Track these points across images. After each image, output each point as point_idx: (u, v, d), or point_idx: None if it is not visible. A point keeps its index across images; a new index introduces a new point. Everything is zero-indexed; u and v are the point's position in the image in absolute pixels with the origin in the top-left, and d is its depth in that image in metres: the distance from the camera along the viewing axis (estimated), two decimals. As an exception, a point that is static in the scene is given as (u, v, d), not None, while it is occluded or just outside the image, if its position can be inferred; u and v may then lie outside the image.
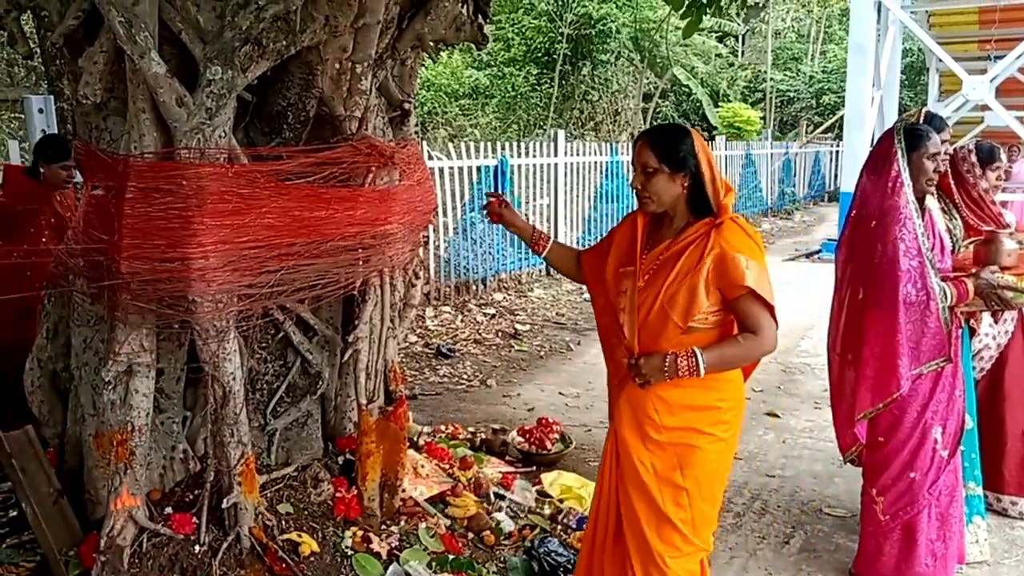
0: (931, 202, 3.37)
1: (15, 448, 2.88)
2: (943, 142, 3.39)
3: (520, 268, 9.14)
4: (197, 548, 2.78)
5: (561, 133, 10.04)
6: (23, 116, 4.71)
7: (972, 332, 3.49)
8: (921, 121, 3.38)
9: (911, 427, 2.87)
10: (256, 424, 3.19)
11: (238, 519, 2.82)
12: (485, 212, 2.77)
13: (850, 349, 2.96)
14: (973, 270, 3.02)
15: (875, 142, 3.03)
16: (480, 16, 3.58)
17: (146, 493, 2.86)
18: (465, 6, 3.44)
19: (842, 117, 13.23)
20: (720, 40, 21.93)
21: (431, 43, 3.41)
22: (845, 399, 3.01)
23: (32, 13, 2.91)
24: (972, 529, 3.37)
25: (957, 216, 3.52)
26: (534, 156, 9.44)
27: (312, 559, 2.90)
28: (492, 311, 7.91)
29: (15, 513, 3.22)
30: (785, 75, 24.79)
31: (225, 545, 2.79)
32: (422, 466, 3.64)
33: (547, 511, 3.67)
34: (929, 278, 2.79)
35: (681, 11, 3.96)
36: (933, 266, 2.80)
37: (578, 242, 10.24)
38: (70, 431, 3.14)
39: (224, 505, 2.81)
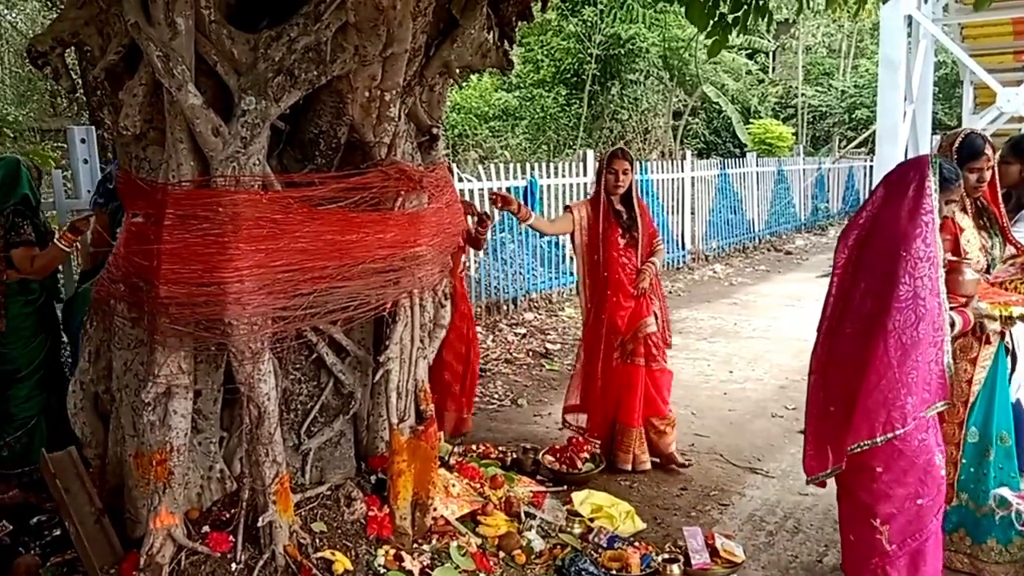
0: (965, 220, 3.34)
1: (59, 469, 2.97)
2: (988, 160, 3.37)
3: (551, 288, 9.16)
4: (233, 566, 2.84)
5: (591, 153, 10.08)
6: (66, 146, 4.88)
7: (1009, 353, 3.46)
8: (962, 143, 3.38)
9: (913, 455, 2.81)
10: (290, 444, 3.25)
11: (273, 537, 2.88)
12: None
13: (840, 374, 2.87)
14: (963, 300, 3.03)
15: (907, 165, 2.91)
16: (506, 42, 3.65)
17: (184, 512, 2.93)
18: (491, 33, 3.51)
19: (875, 132, 13.11)
20: (750, 57, 21.85)
21: (458, 69, 3.49)
22: (828, 422, 2.92)
23: (75, 48, 3.03)
24: (1011, 551, 3.32)
25: (998, 234, 3.47)
26: (563, 176, 9.48)
27: (345, 577, 2.94)
28: (523, 331, 7.94)
29: (59, 532, 3.32)
30: (817, 90, 24.60)
31: (260, 563, 2.85)
32: (453, 485, 3.67)
33: (577, 530, 3.68)
34: (944, 318, 2.76)
35: (706, 31, 3.99)
36: (946, 306, 2.79)
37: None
38: (111, 452, 3.23)
39: (260, 523, 2.87)
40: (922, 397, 2.75)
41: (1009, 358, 3.47)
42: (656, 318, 4.50)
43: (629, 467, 4.47)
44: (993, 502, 3.26)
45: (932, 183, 2.74)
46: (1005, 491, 3.25)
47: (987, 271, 3.34)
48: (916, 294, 2.70)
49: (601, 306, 4.49)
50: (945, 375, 2.77)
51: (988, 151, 3.33)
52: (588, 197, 4.79)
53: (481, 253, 8.21)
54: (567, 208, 4.67)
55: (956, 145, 3.37)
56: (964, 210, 3.35)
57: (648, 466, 4.49)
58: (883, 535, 2.86)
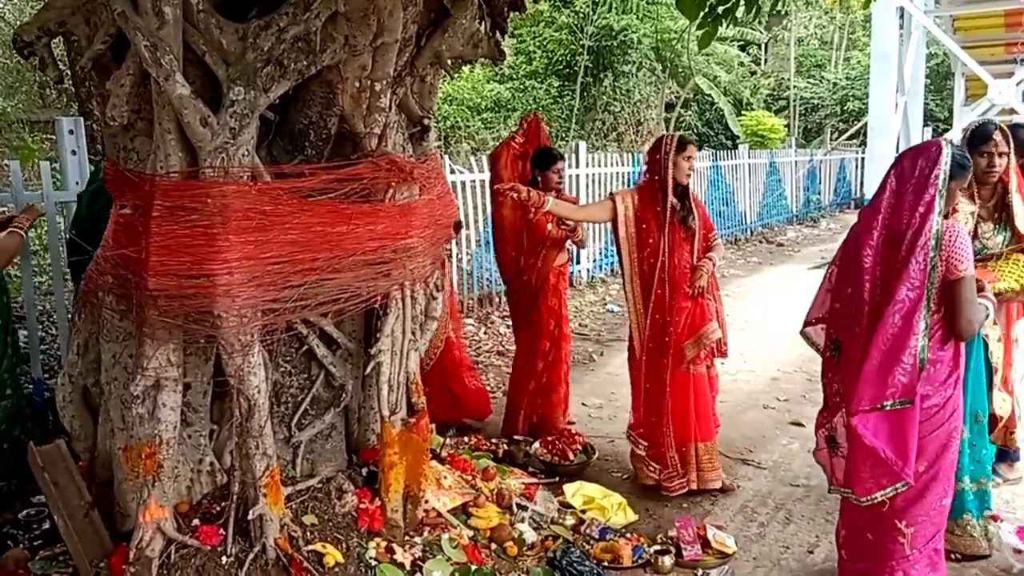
0: (963, 205, 3.37)
1: (48, 462, 2.95)
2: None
3: (543, 280, 9.13)
4: (224, 559, 2.83)
5: (583, 144, 10.05)
6: (54, 137, 4.84)
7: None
8: (975, 129, 3.48)
9: (955, 454, 2.80)
10: (281, 436, 3.24)
11: (264, 530, 2.87)
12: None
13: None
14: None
15: (916, 151, 2.79)
16: (497, 32, 3.62)
17: (174, 505, 2.92)
18: (482, 23, 3.49)
19: (867, 124, 13.14)
20: (743, 49, 21.82)
21: (449, 60, 3.46)
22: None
23: (63, 38, 3.00)
24: (982, 524, 3.38)
25: (1007, 228, 3.49)
26: (556, 168, 9.44)
27: (336, 570, 2.93)
28: (515, 323, 7.91)
29: (48, 526, 3.30)
30: (808, 82, 24.64)
31: (251, 556, 2.84)
32: (445, 477, 3.67)
33: (569, 521, 3.68)
34: (920, 309, 2.64)
35: (696, 22, 3.97)
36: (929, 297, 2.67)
37: (601, 253, 10.24)
38: (100, 445, 3.21)
39: (250, 517, 2.85)
40: (888, 390, 2.66)
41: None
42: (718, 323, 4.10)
43: (719, 484, 4.11)
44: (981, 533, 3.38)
45: (942, 170, 2.65)
46: (992, 525, 3.37)
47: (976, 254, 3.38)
48: (910, 288, 2.63)
49: (657, 305, 4.00)
50: (916, 369, 2.63)
51: (997, 136, 3.43)
52: (636, 186, 4.26)
53: (473, 244, 8.21)
54: (610, 195, 4.15)
55: (969, 132, 3.52)
56: (971, 197, 3.39)
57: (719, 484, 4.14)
58: (905, 539, 2.80)
